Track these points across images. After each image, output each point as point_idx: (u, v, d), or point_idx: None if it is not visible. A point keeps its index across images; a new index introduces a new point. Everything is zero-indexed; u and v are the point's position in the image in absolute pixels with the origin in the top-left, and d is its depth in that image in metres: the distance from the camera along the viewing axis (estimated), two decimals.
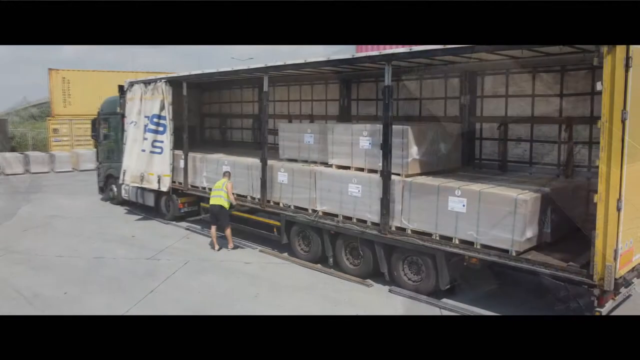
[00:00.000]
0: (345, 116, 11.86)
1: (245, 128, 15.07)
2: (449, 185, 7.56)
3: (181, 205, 13.21)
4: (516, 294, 8.20)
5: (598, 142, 8.10)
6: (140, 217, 13.97)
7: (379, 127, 8.59)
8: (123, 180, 13.91)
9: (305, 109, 12.98)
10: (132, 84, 14.09)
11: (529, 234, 6.88)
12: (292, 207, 9.99)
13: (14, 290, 8.43)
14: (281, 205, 10.23)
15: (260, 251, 10.65)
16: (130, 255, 10.40)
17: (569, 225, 7.69)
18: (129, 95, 14.13)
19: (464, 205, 7.31)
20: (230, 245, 10.69)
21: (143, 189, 13.89)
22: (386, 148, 8.15)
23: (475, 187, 7.35)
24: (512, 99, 9.09)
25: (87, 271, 9.46)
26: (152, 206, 14.03)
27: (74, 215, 14.32)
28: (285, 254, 10.31)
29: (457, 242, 7.44)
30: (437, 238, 7.66)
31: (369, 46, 15.17)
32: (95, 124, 16.19)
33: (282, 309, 7.60)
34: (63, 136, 27.33)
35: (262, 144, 10.41)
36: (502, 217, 6.90)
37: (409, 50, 7.80)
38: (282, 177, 10.17)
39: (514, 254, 6.87)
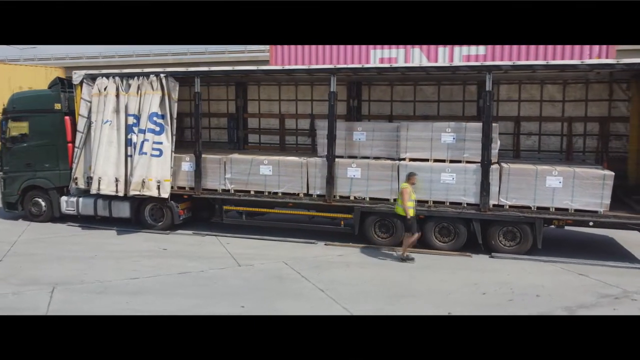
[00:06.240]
0: (355, 116, 12.92)
1: (214, 127, 14.32)
2: (544, 168, 9.93)
3: (181, 212, 12.11)
4: (565, 244, 11.08)
5: (591, 134, 11.65)
6: (115, 230, 12.10)
7: (464, 124, 10.44)
8: (98, 189, 11.81)
9: (302, 109, 13.43)
10: (92, 77, 12.07)
11: (610, 198, 9.80)
12: (367, 199, 10.83)
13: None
14: (352, 198, 10.92)
15: (326, 245, 11.06)
16: (214, 267, 9.54)
17: None
18: (89, 90, 12.13)
19: (560, 182, 9.79)
20: (404, 253, 9.92)
21: (112, 197, 12.13)
22: (487, 141, 10.01)
23: (566, 168, 9.91)
24: (524, 103, 11.98)
25: (203, 286, 8.51)
26: (126, 217, 12.34)
27: (17, 240, 11.43)
28: (351, 243, 11.03)
29: (553, 210, 9.89)
30: (535, 209, 9.97)
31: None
32: (2, 124, 12.95)
33: (453, 284, 8.74)
34: None
35: (329, 143, 10.82)
36: (593, 188, 9.63)
37: (512, 63, 9.85)
38: (353, 172, 10.85)
39: (602, 213, 9.69)
